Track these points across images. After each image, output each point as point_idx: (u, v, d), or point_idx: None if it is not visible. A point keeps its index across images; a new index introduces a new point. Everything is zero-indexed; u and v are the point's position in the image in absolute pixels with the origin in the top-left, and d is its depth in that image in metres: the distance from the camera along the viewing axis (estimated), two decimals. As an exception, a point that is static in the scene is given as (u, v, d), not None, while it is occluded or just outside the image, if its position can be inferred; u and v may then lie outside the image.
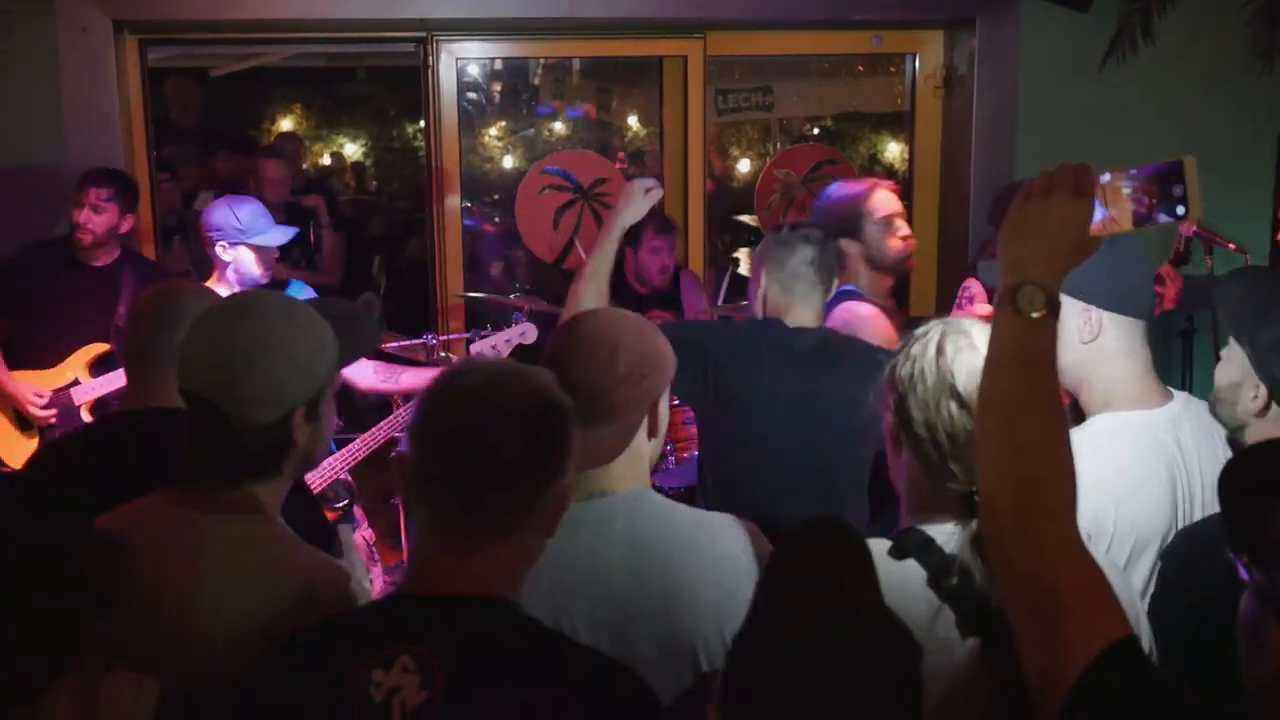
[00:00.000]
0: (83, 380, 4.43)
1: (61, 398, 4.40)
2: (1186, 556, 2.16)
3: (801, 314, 3.18)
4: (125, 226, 4.57)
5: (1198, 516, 2.33)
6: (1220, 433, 2.43)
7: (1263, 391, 2.19)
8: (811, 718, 1.34)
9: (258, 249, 4.17)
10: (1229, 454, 2.41)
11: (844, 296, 3.56)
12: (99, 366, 4.46)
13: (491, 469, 1.63)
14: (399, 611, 1.67)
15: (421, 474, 1.67)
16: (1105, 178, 1.61)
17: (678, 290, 5.38)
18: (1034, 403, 1.48)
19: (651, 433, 2.16)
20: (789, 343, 3.13)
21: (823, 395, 3.02)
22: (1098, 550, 2.18)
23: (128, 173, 4.82)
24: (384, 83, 10.44)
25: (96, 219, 4.47)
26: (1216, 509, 2.34)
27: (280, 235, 4.25)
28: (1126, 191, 1.60)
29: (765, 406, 3.05)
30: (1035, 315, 1.50)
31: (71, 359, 4.45)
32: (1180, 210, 1.58)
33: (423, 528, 1.69)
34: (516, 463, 1.64)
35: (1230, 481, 1.73)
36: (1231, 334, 2.27)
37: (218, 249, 4.18)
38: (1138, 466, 2.31)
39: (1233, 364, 2.26)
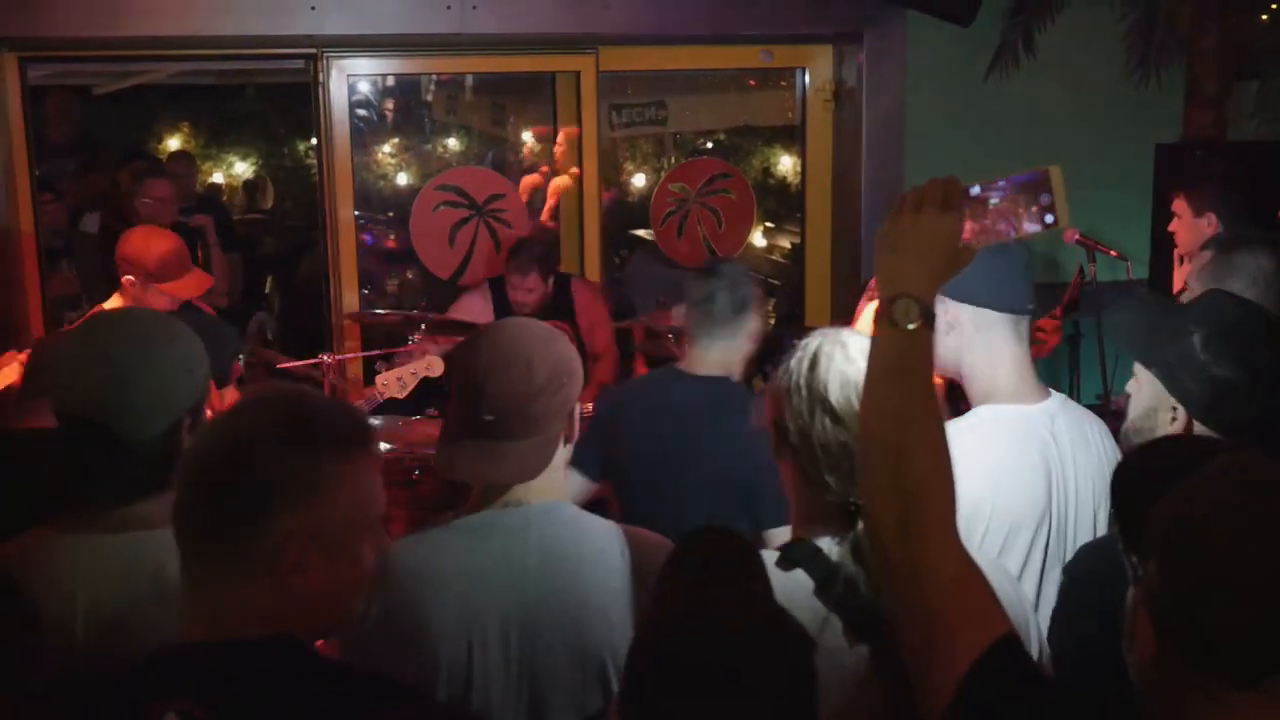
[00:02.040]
0: None
1: None
2: (1093, 569, 2.20)
3: (712, 356, 3.23)
4: None
5: (1072, 507, 2.41)
6: (1095, 433, 2.50)
7: (1181, 412, 2.22)
8: (707, 712, 1.35)
9: (168, 295, 3.96)
10: (1103, 452, 2.49)
11: None
12: None
13: (236, 509, 1.51)
14: (165, 663, 1.54)
15: (177, 515, 1.57)
16: (975, 190, 1.65)
17: (570, 302, 5.35)
18: (912, 413, 1.50)
19: (567, 440, 2.16)
20: (681, 399, 3.20)
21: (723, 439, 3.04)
22: (974, 537, 2.25)
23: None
24: (273, 100, 10.30)
25: None
26: (1091, 503, 2.43)
27: (193, 285, 4.06)
28: (995, 202, 1.64)
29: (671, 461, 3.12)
30: (911, 327, 1.53)
31: None
32: (1049, 219, 1.62)
33: (183, 568, 1.57)
34: (260, 501, 1.51)
35: (1120, 480, 1.78)
36: (1136, 361, 2.32)
37: (126, 280, 3.98)
38: (1014, 455, 2.38)
39: (1142, 391, 2.29)
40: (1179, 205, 4.58)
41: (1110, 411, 4.71)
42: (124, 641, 1.82)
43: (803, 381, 1.89)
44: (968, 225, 1.62)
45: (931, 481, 1.48)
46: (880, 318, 1.56)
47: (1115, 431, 2.53)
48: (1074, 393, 5.36)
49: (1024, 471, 2.37)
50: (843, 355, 1.88)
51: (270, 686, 1.50)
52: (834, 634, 1.77)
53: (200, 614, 1.55)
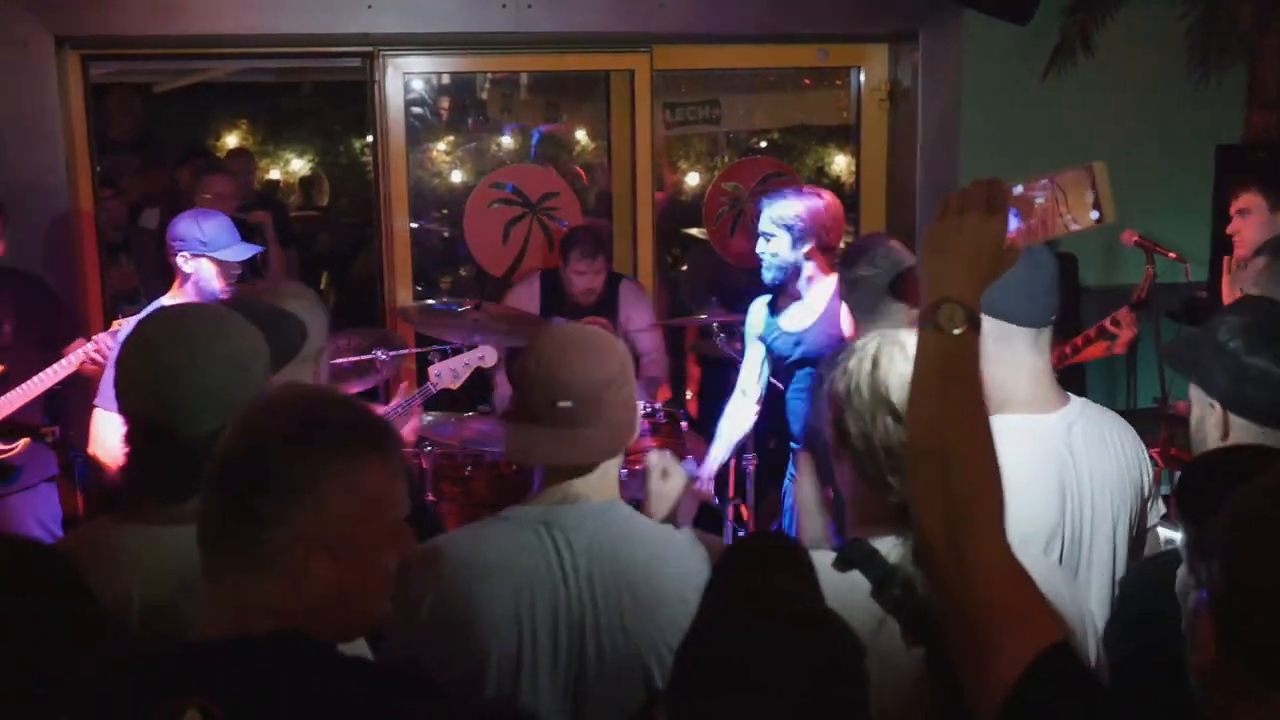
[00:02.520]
0: None
1: None
2: (1153, 580, 2.17)
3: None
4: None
5: (1088, 519, 2.38)
6: (1116, 438, 2.47)
7: (1218, 409, 2.19)
8: (752, 713, 1.34)
9: (220, 263, 4.16)
10: (1123, 457, 2.46)
11: None
12: None
13: (247, 510, 1.54)
14: (185, 658, 1.56)
15: (201, 515, 1.59)
16: (1018, 189, 1.63)
17: (615, 301, 5.38)
18: (960, 419, 1.49)
19: (623, 442, 2.18)
20: None
21: None
22: (1038, 555, 2.22)
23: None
24: (330, 98, 10.38)
25: None
26: (1110, 514, 2.39)
27: (243, 251, 4.24)
28: (1040, 201, 1.62)
29: None
30: (956, 332, 1.52)
31: None
32: (1095, 215, 1.60)
33: (203, 565, 1.59)
34: (275, 502, 1.53)
35: (1185, 485, 1.77)
36: (1189, 378, 2.30)
37: (179, 259, 4.18)
38: (1025, 468, 2.34)
39: (1195, 404, 2.28)
40: (1250, 200, 4.39)
41: (1167, 415, 4.64)
42: (175, 631, 1.84)
43: (864, 383, 1.88)
44: (1013, 225, 1.60)
45: (980, 488, 1.47)
46: (924, 322, 1.55)
47: (1171, 436, 2.51)
48: (1130, 396, 5.29)
49: (1034, 486, 2.33)
50: (903, 356, 1.87)
51: (289, 684, 1.51)
52: (890, 636, 1.77)
53: (219, 611, 1.57)
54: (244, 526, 1.54)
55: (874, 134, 5.99)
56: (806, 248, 4.03)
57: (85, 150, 5.24)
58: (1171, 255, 4.97)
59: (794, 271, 4.08)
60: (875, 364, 1.88)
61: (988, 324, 2.40)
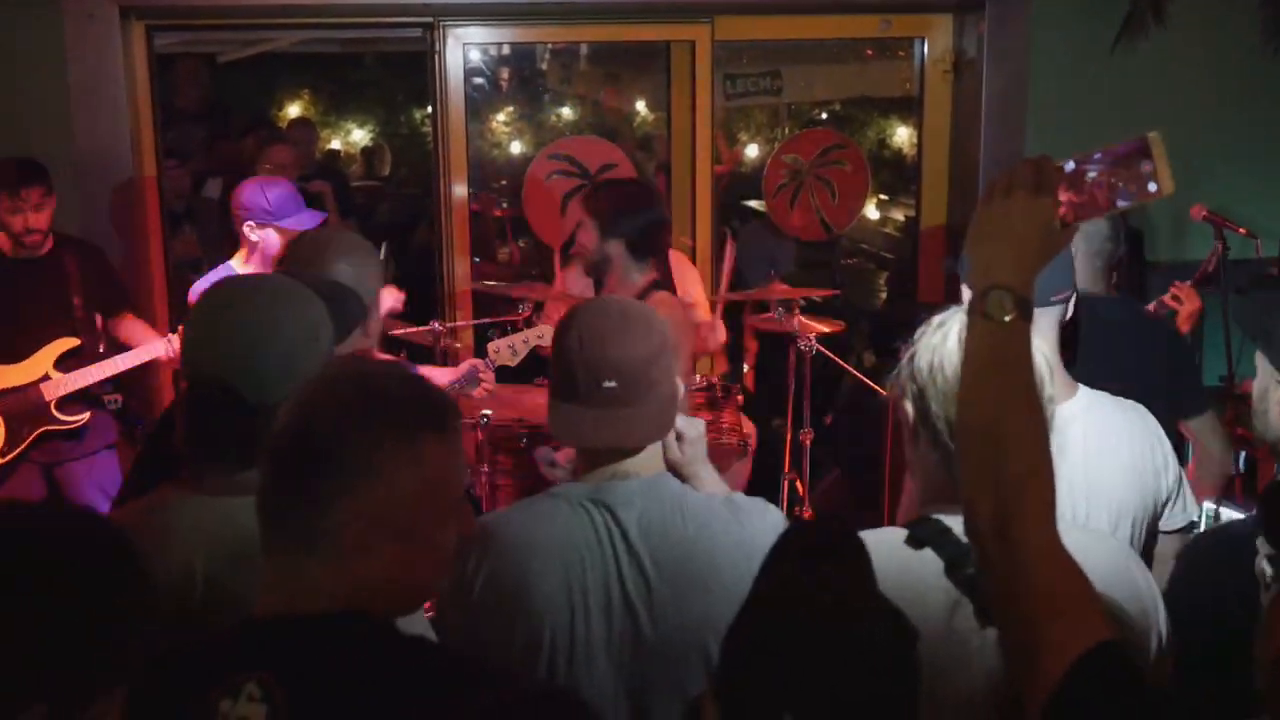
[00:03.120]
0: (52, 376, 4.31)
1: (30, 393, 4.28)
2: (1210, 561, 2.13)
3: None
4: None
5: (1082, 515, 2.32)
6: (1127, 437, 2.41)
7: None
8: (801, 700, 1.33)
9: (285, 231, 4.19)
10: (1134, 457, 2.40)
11: None
12: (66, 361, 4.35)
13: (319, 489, 1.52)
14: (245, 634, 1.56)
15: (260, 490, 1.58)
16: (1069, 165, 1.58)
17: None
18: (1011, 407, 1.46)
19: (671, 417, 2.18)
20: None
21: None
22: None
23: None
24: (391, 68, 10.41)
25: (39, 216, 4.30)
26: (1111, 509, 2.33)
27: (308, 219, 4.27)
28: (1093, 175, 1.57)
29: None
30: (1007, 319, 1.48)
31: (40, 354, 4.32)
32: (1152, 187, 1.55)
33: (264, 543, 1.58)
34: (347, 479, 1.52)
35: (1271, 491, 1.75)
36: (1257, 346, 2.24)
37: (245, 228, 4.24)
38: None
39: (1260, 374, 2.22)
40: None
41: (1234, 395, 4.55)
42: (240, 603, 1.84)
43: (949, 360, 1.84)
44: (1065, 199, 1.56)
45: (1029, 479, 1.44)
46: (973, 311, 1.51)
47: (1236, 416, 2.45)
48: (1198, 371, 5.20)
49: None
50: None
51: (350, 663, 1.51)
52: (964, 616, 1.74)
53: (279, 588, 1.56)
54: (304, 505, 1.53)
55: (937, 106, 5.90)
56: None
57: (150, 120, 5.29)
58: (1241, 231, 4.86)
59: None
60: (959, 340, 1.85)
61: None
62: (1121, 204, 1.58)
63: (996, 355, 1.49)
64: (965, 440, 1.51)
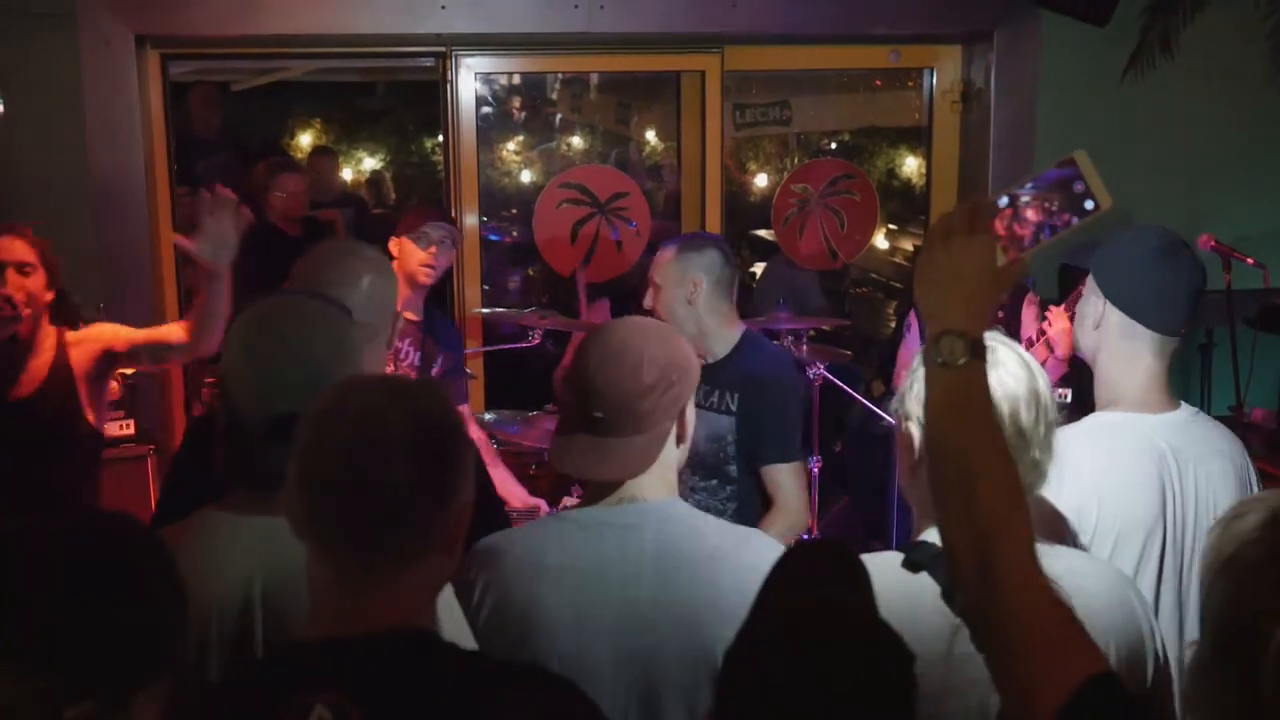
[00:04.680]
0: None
1: None
2: None
3: None
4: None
5: (1190, 522, 2.36)
6: (1227, 449, 2.43)
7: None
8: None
9: None
10: (1236, 470, 2.42)
11: None
12: None
13: (386, 506, 1.55)
14: (309, 657, 1.57)
15: (312, 515, 1.59)
16: (1003, 201, 1.60)
17: None
18: (976, 449, 1.46)
19: (679, 439, 2.17)
20: None
21: None
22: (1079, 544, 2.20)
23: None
24: (403, 97, 10.47)
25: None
26: (1210, 519, 2.35)
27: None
28: (1028, 205, 1.59)
29: None
30: (960, 363, 1.48)
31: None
32: (1089, 205, 1.57)
33: (318, 566, 1.60)
34: (411, 496, 1.56)
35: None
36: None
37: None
38: (1124, 464, 2.34)
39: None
40: None
41: (1242, 424, 4.55)
42: (291, 624, 1.84)
43: None
44: (1006, 235, 1.57)
45: (1001, 522, 1.43)
46: (928, 358, 1.52)
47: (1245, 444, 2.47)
48: (1205, 403, 5.20)
49: (1134, 482, 2.32)
50: (994, 359, 1.84)
51: (420, 680, 1.53)
52: (964, 640, 1.74)
53: (334, 608, 1.58)
54: (395, 530, 1.57)
55: (946, 136, 5.93)
56: None
57: (164, 148, 5.33)
58: (1249, 261, 4.87)
59: None
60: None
61: (1116, 318, 2.41)
62: (1062, 228, 1.59)
63: (955, 399, 1.49)
64: (936, 485, 1.50)
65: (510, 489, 4.10)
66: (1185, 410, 2.46)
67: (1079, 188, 1.57)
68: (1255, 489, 2.48)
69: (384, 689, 1.50)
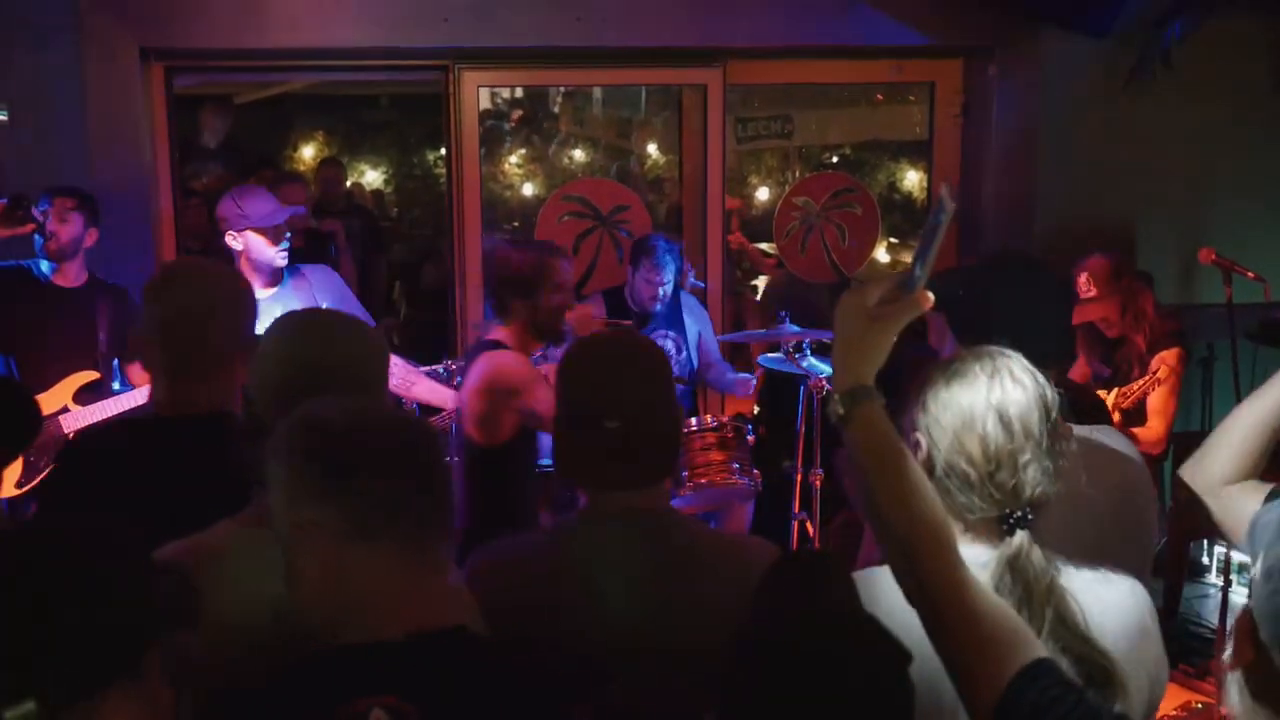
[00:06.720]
0: (71, 408, 4.32)
1: (49, 426, 4.20)
2: None
3: None
4: (89, 240, 4.47)
5: None
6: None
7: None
8: None
9: (264, 230, 4.23)
10: None
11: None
12: (85, 394, 4.36)
13: (445, 507, 1.66)
14: (364, 660, 1.58)
15: (377, 512, 1.60)
16: (917, 272, 1.65)
17: (679, 310, 5.42)
18: (878, 477, 1.61)
19: (673, 455, 2.19)
20: None
21: None
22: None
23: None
24: (406, 110, 10.51)
25: (63, 228, 4.37)
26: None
27: (283, 213, 4.30)
28: (925, 257, 1.64)
29: None
30: (840, 413, 1.64)
31: (58, 386, 4.33)
32: (941, 217, 1.61)
33: (366, 567, 1.61)
34: (451, 495, 1.67)
35: None
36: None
37: (228, 239, 4.25)
38: None
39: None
40: None
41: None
42: (315, 634, 1.83)
43: (948, 399, 1.85)
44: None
45: (913, 530, 1.57)
46: (833, 415, 1.66)
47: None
48: (1207, 419, 5.20)
49: None
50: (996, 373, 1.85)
51: (470, 675, 1.56)
52: None
53: (389, 611, 1.60)
54: (417, 546, 1.61)
55: (947, 150, 5.95)
56: None
57: (167, 159, 5.35)
58: (1250, 275, 4.89)
59: None
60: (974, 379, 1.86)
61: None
62: (931, 239, 1.63)
63: (858, 444, 1.64)
64: (868, 513, 1.65)
65: (440, 393, 4.35)
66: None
67: (936, 207, 1.63)
68: None
69: (437, 688, 1.53)
